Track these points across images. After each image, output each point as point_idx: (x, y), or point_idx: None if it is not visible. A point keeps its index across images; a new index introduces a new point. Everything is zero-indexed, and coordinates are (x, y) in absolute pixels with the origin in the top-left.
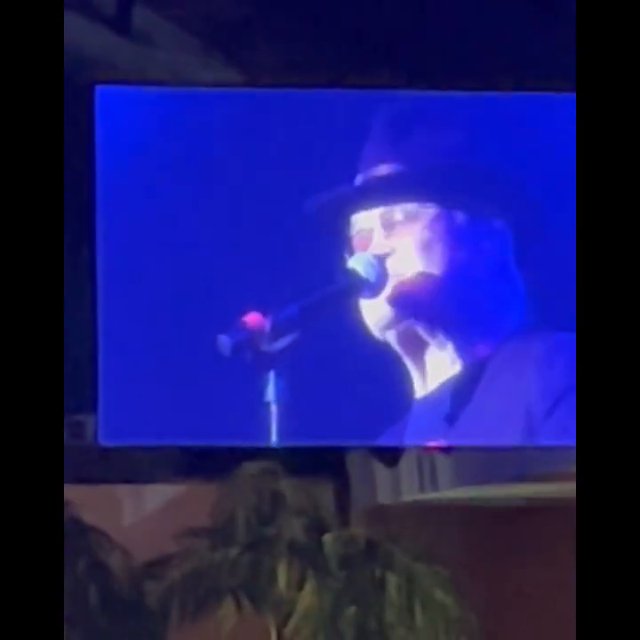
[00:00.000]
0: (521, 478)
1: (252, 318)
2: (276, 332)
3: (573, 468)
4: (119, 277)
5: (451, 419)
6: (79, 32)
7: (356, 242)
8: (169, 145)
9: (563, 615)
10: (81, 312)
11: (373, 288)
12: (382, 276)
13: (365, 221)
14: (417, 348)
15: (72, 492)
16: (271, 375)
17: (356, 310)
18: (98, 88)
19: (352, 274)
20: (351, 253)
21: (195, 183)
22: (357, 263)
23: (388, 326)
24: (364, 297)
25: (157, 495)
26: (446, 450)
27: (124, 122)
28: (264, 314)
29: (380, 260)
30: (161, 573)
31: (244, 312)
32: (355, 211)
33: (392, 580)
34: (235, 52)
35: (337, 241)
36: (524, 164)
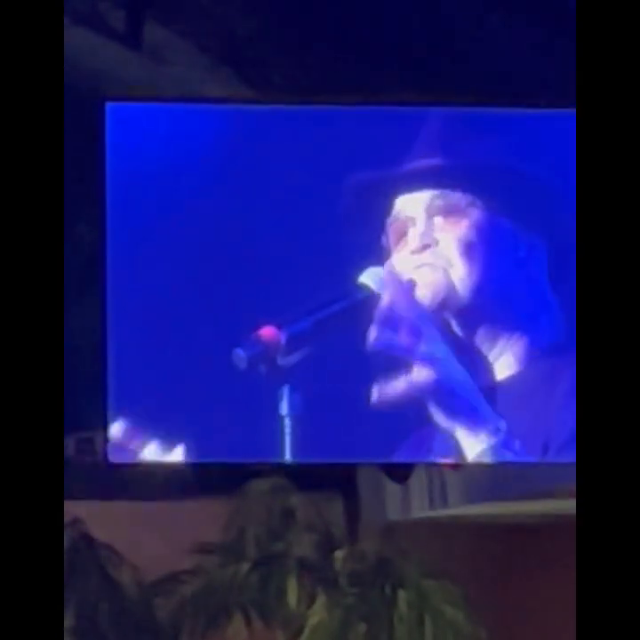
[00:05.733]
0: (531, 495)
1: (267, 331)
2: (292, 346)
3: None
4: (130, 292)
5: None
6: (89, 47)
7: (394, 228)
8: (180, 161)
9: (574, 632)
10: (91, 328)
11: None
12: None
13: (410, 208)
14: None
15: (82, 509)
16: (286, 389)
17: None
18: (108, 104)
19: (364, 288)
20: (388, 244)
21: (206, 198)
22: (368, 278)
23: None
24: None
25: (167, 512)
26: (456, 466)
27: (134, 138)
28: (279, 327)
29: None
30: (171, 590)
31: (259, 325)
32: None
33: (402, 597)
34: (245, 67)
35: (352, 255)
36: (568, 181)
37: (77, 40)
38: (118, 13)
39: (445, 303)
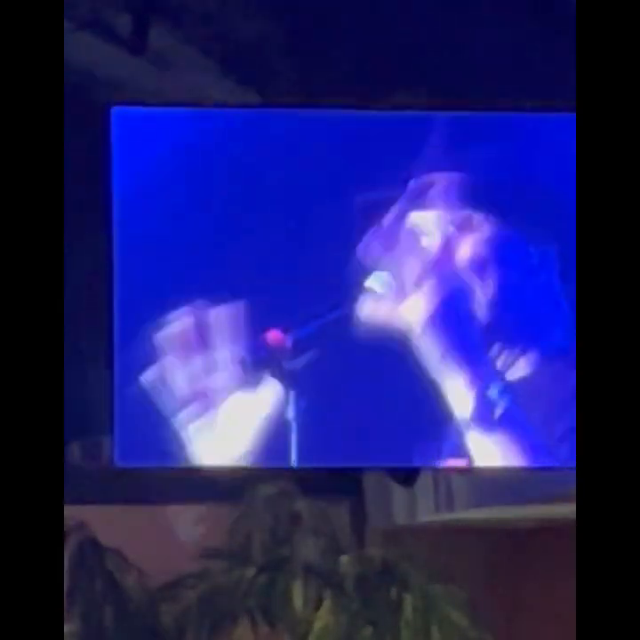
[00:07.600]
0: (538, 499)
1: (273, 335)
2: (298, 350)
3: None
4: (136, 299)
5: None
6: (94, 53)
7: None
8: (186, 165)
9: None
10: (98, 332)
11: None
12: (398, 296)
13: (421, 224)
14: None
15: (88, 514)
16: (292, 394)
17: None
18: (113, 109)
19: (370, 292)
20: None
21: (213, 203)
22: (375, 282)
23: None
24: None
25: (173, 516)
26: (463, 470)
27: (140, 143)
28: (285, 331)
29: (397, 279)
30: (177, 595)
31: (265, 329)
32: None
33: (408, 601)
34: (251, 71)
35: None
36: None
37: (82, 45)
38: (123, 18)
39: None
